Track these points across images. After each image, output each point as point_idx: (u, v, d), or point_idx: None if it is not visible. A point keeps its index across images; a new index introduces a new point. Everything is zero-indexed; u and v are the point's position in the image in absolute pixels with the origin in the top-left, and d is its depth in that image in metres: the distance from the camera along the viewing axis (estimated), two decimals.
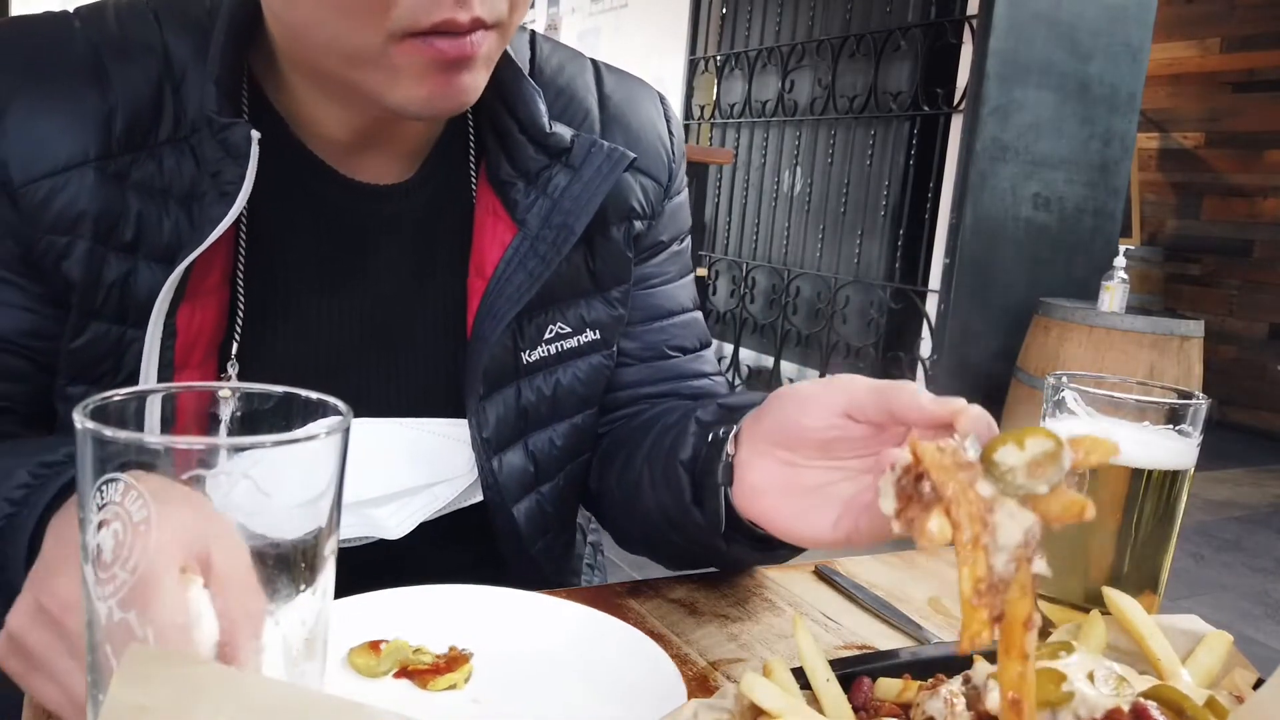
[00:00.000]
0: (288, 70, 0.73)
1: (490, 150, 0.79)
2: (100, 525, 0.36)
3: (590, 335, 0.85)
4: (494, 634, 0.67)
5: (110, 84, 0.68)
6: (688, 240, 0.95)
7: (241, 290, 0.73)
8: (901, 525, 0.45)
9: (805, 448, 0.61)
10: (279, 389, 0.42)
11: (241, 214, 0.71)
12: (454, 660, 0.63)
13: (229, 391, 0.42)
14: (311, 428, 0.38)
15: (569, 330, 0.83)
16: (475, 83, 0.66)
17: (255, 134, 0.67)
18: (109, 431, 0.35)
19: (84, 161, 0.67)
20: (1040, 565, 0.42)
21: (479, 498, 0.82)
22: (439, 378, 0.81)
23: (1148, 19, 3.77)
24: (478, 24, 0.61)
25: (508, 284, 0.77)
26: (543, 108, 0.78)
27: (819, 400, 0.61)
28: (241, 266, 0.73)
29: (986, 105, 3.50)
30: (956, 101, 3.65)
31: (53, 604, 0.47)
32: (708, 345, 0.97)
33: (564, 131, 0.78)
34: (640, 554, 0.87)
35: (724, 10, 5.09)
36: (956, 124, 3.68)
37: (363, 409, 0.77)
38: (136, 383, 0.68)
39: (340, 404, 0.41)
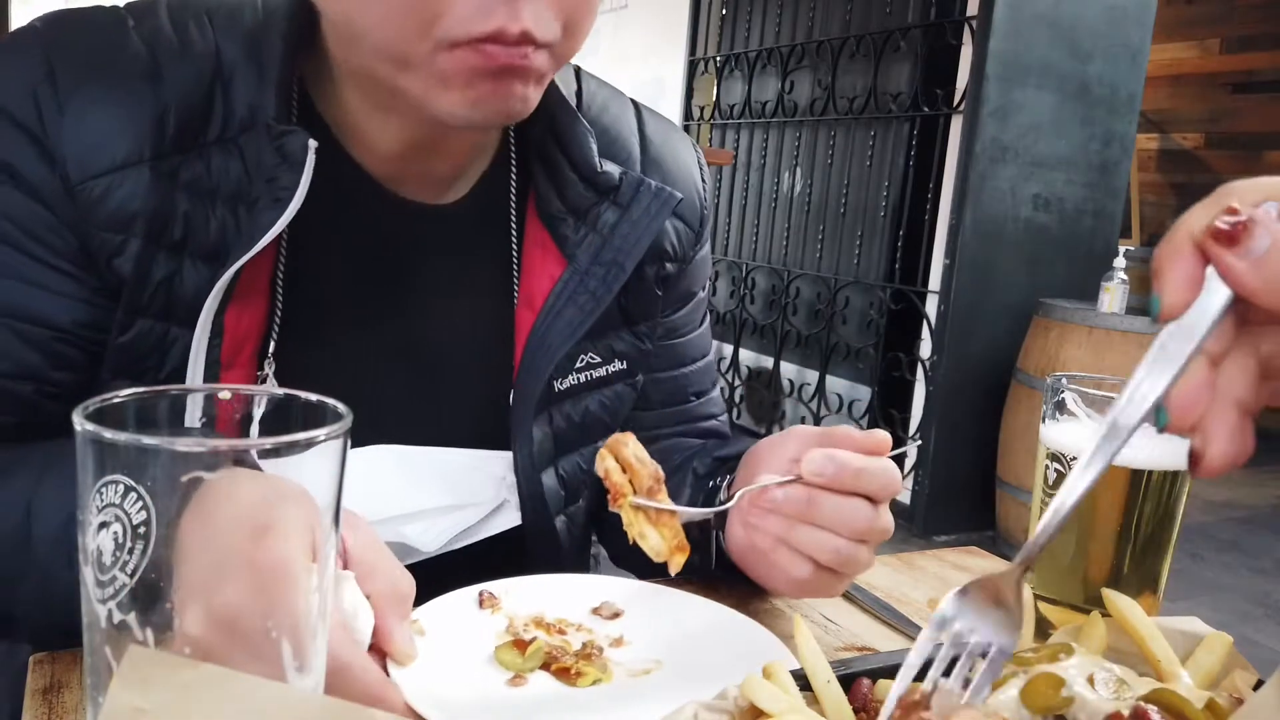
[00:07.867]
0: (339, 79, 0.73)
1: (539, 184, 0.81)
2: (100, 527, 0.36)
3: (618, 365, 0.88)
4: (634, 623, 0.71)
5: (164, 83, 0.68)
6: (708, 287, 0.98)
7: (280, 296, 0.74)
8: None
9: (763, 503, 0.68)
10: (280, 390, 0.42)
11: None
12: (586, 656, 0.65)
13: (229, 393, 0.42)
14: (312, 430, 0.38)
15: (599, 360, 0.86)
16: (525, 94, 0.65)
17: (313, 143, 0.67)
18: (109, 434, 0.35)
19: (139, 160, 0.67)
20: None
21: (504, 525, 0.83)
22: (476, 403, 0.82)
23: (1147, 20, 3.77)
24: (527, 38, 0.61)
25: (558, 318, 0.79)
26: (594, 146, 0.80)
27: (775, 450, 0.71)
28: (282, 273, 0.74)
29: (986, 106, 3.50)
30: (956, 102, 3.65)
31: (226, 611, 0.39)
32: (716, 384, 1.01)
33: (613, 170, 0.80)
34: (631, 569, 0.90)
35: (724, 11, 5.08)
36: (956, 125, 3.67)
37: (395, 429, 0.78)
38: (180, 380, 0.69)
39: (340, 406, 0.41)
